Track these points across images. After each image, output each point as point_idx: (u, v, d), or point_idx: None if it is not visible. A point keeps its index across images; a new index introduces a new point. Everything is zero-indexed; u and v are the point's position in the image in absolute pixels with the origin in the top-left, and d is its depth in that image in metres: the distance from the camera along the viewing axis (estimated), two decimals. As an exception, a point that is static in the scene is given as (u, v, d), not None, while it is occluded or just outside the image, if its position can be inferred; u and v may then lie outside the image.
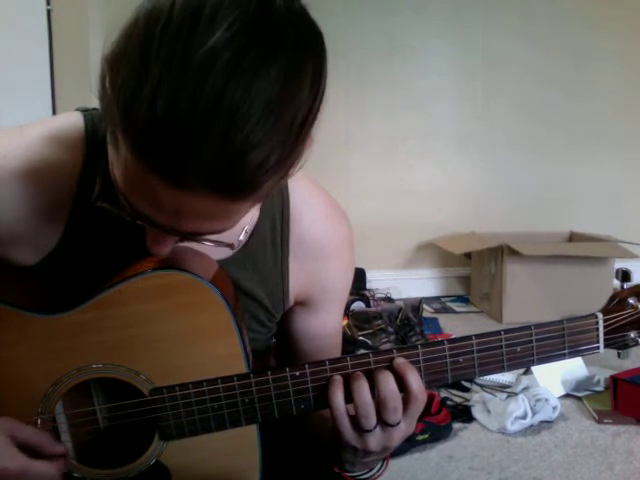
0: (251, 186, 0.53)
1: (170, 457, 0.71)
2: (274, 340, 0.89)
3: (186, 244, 0.64)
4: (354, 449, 0.69)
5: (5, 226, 0.69)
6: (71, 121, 0.71)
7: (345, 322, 2.35)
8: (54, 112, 2.02)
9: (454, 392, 1.94)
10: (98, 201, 0.62)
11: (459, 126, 3.09)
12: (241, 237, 0.71)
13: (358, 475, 0.77)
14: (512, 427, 1.70)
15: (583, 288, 2.59)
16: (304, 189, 0.80)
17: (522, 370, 1.97)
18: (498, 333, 0.70)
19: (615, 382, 1.80)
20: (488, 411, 1.79)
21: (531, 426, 1.74)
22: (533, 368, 1.90)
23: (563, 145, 3.13)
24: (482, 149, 3.11)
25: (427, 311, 2.84)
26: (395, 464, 1.55)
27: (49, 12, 2.02)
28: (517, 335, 0.70)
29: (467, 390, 1.96)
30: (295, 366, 0.68)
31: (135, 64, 0.49)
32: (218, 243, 0.64)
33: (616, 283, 0.77)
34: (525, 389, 1.86)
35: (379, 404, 0.66)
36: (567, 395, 1.93)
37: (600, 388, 1.95)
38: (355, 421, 0.67)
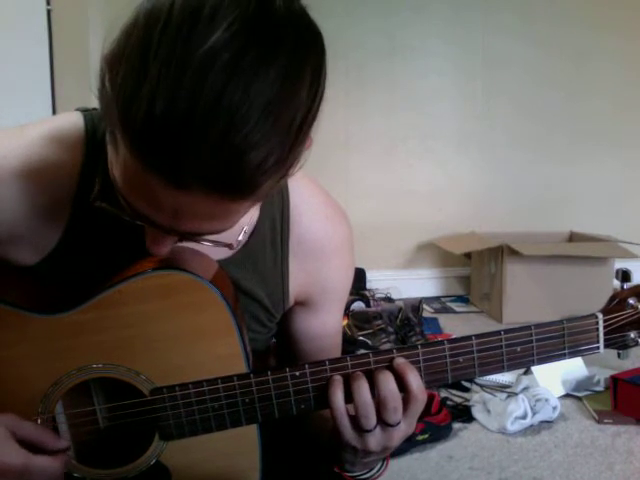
0: (250, 186, 0.53)
1: (170, 457, 0.71)
2: (274, 340, 0.89)
3: (185, 244, 0.64)
4: (354, 449, 0.69)
5: (5, 226, 0.69)
6: (71, 121, 0.71)
7: (345, 322, 2.35)
8: (54, 112, 2.02)
9: (454, 392, 1.94)
10: (97, 201, 0.62)
11: (459, 126, 3.09)
12: (240, 237, 0.71)
13: (358, 475, 0.77)
14: (512, 427, 1.70)
15: (583, 288, 2.59)
16: (304, 189, 0.80)
17: (522, 370, 1.97)
18: (498, 333, 0.70)
19: (615, 382, 1.80)
20: (488, 411, 1.79)
21: (531, 426, 1.74)
22: (533, 368, 1.90)
23: (563, 145, 3.13)
24: (482, 149, 3.11)
25: (427, 311, 2.84)
26: (395, 464, 1.55)
27: (49, 12, 2.02)
28: (517, 335, 0.70)
29: (467, 390, 1.96)
30: (295, 366, 0.68)
31: (134, 64, 0.49)
32: (217, 243, 0.64)
33: (616, 283, 0.77)
34: (525, 389, 1.86)
35: (379, 404, 0.66)
36: (567, 395, 1.93)
37: (600, 388, 1.95)
38: (355, 421, 0.67)
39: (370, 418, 0.66)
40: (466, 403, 1.87)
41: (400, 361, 0.68)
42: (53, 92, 2.04)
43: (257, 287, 0.79)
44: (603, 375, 1.96)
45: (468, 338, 0.70)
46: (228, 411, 0.68)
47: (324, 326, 0.85)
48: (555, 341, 0.71)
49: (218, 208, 0.55)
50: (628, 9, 3.05)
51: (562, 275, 2.65)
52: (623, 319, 0.73)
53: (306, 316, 0.85)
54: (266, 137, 0.50)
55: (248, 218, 0.74)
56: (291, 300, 0.83)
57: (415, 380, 0.67)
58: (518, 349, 0.71)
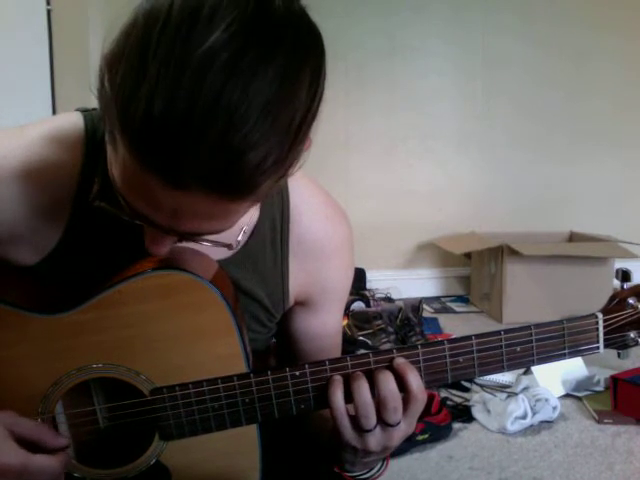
0: (249, 186, 0.53)
1: (170, 457, 0.71)
2: (274, 340, 0.89)
3: (185, 244, 0.64)
4: (354, 449, 0.69)
5: (5, 226, 0.69)
6: (71, 121, 0.71)
7: (345, 322, 2.35)
8: (54, 112, 2.01)
9: (454, 392, 1.94)
10: (96, 200, 0.62)
11: (459, 126, 3.09)
12: (239, 237, 0.71)
13: (358, 475, 0.77)
14: (512, 427, 1.70)
15: (583, 288, 2.60)
16: (304, 189, 0.80)
17: (522, 370, 1.97)
18: (498, 333, 0.70)
19: (615, 382, 1.80)
20: (488, 411, 1.79)
21: (531, 426, 1.74)
22: (533, 368, 1.90)
23: (563, 145, 3.13)
24: (482, 149, 3.11)
25: (427, 311, 2.84)
26: (395, 464, 1.55)
27: (49, 12, 2.02)
28: (517, 335, 0.70)
29: (467, 390, 1.96)
30: (295, 366, 0.68)
31: (133, 64, 0.49)
32: (216, 243, 0.64)
33: (616, 283, 0.77)
34: (525, 389, 1.86)
35: (379, 404, 0.66)
36: (567, 395, 1.93)
37: (600, 388, 1.95)
38: (355, 421, 0.67)
39: (370, 418, 0.66)
40: (466, 403, 1.87)
41: (400, 361, 0.68)
42: (53, 92, 2.04)
43: (257, 287, 0.79)
44: (603, 375, 1.96)
45: (468, 338, 0.70)
46: (228, 411, 0.68)
47: (324, 326, 0.85)
48: (555, 341, 0.71)
49: (217, 208, 0.55)
50: (628, 9, 3.05)
51: (562, 275, 2.65)
52: (623, 319, 0.73)
53: (306, 316, 0.85)
54: (265, 137, 0.50)
55: (247, 218, 0.74)
56: (291, 300, 0.83)
57: (415, 380, 0.67)
58: (518, 349, 0.71)
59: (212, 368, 0.68)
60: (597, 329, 0.72)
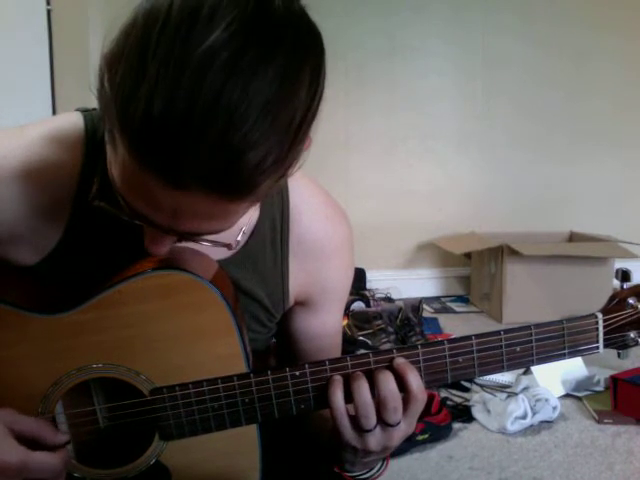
0: (249, 186, 0.53)
1: (170, 457, 0.71)
2: (274, 340, 0.89)
3: (185, 244, 0.64)
4: (354, 449, 0.69)
5: (5, 226, 0.69)
6: (71, 121, 0.71)
7: (345, 322, 2.35)
8: (54, 112, 2.01)
9: (454, 392, 1.94)
10: (96, 200, 0.62)
11: (459, 126, 3.09)
12: (239, 237, 0.71)
13: (358, 475, 0.77)
14: (512, 427, 1.70)
15: (583, 288, 2.59)
16: (304, 189, 0.80)
17: (522, 370, 1.97)
18: (498, 333, 0.70)
19: (615, 382, 1.80)
20: (488, 411, 1.79)
21: (531, 426, 1.74)
22: (533, 368, 1.90)
23: (563, 145, 3.13)
24: (482, 149, 3.11)
25: (427, 311, 2.84)
26: (395, 464, 1.55)
27: (49, 12, 2.02)
28: (517, 335, 0.70)
29: (467, 390, 1.96)
30: (295, 366, 0.68)
31: (133, 63, 0.49)
32: (215, 243, 0.64)
33: (616, 283, 0.77)
34: (525, 389, 1.86)
35: (379, 404, 0.66)
36: (567, 395, 1.93)
37: (600, 388, 1.95)
38: (355, 421, 0.67)
39: (370, 418, 0.66)
40: (466, 403, 1.87)
41: (400, 361, 0.68)
42: (53, 92, 2.04)
43: (257, 287, 0.79)
44: (603, 375, 1.96)
45: (468, 338, 0.70)
46: (228, 411, 0.68)
47: (324, 326, 0.85)
48: (555, 341, 0.71)
49: (217, 208, 0.55)
50: (628, 9, 3.05)
51: (562, 275, 2.65)
52: (623, 319, 0.73)
53: (306, 316, 0.85)
54: (265, 136, 0.50)
55: (247, 218, 0.74)
56: (291, 300, 0.83)
57: (415, 380, 0.67)
58: (518, 349, 0.71)
59: (212, 368, 0.68)
60: (597, 329, 0.72)
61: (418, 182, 3.08)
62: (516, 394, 1.81)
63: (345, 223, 0.84)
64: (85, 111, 0.73)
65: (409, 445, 1.61)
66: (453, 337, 0.71)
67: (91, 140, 0.70)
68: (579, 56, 3.06)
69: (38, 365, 0.67)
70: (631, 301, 0.73)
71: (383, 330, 2.29)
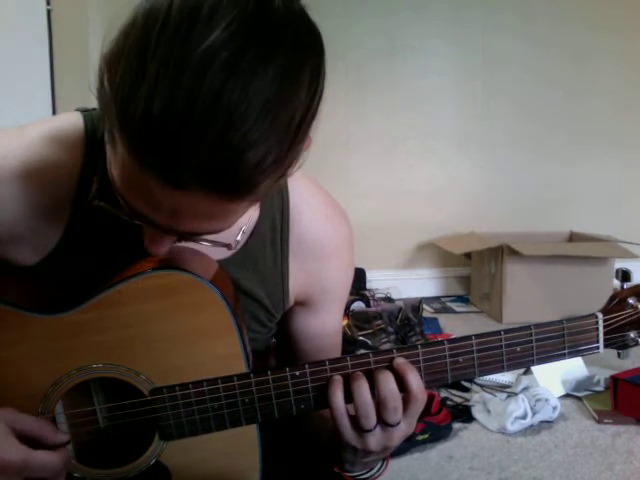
0: (248, 186, 0.53)
1: (170, 457, 0.71)
2: (274, 340, 0.89)
3: (185, 244, 0.64)
4: (354, 449, 0.69)
5: (5, 226, 0.69)
6: (71, 121, 0.71)
7: (345, 322, 2.35)
8: (54, 112, 2.01)
9: (454, 392, 1.94)
10: (95, 200, 0.62)
11: (459, 126, 3.09)
12: (238, 237, 0.71)
13: (358, 475, 0.77)
14: (512, 427, 1.70)
15: (583, 288, 2.59)
16: (304, 189, 0.80)
17: (522, 370, 1.97)
18: (498, 333, 0.70)
19: (615, 382, 1.80)
20: (488, 411, 1.79)
21: (531, 426, 1.74)
22: (533, 368, 1.90)
23: (563, 145, 3.13)
24: (482, 149, 3.11)
25: (427, 311, 2.84)
26: (395, 464, 1.55)
27: (49, 12, 2.02)
28: (517, 335, 0.70)
29: (467, 390, 1.96)
30: (295, 366, 0.68)
31: (133, 63, 0.49)
32: (215, 243, 0.64)
33: (616, 283, 0.77)
34: (525, 389, 1.86)
35: (379, 404, 0.66)
36: (567, 395, 1.93)
37: (600, 388, 1.95)
38: (355, 421, 0.67)
39: (370, 418, 0.66)
40: (466, 403, 1.87)
41: (400, 361, 0.68)
42: (53, 92, 2.04)
43: (257, 287, 0.79)
44: (603, 375, 1.96)
45: (468, 338, 0.70)
46: (228, 411, 0.68)
47: (324, 326, 0.85)
48: (555, 341, 0.71)
49: (216, 208, 0.55)
50: (628, 9, 3.05)
51: (562, 275, 2.65)
52: (623, 319, 0.73)
53: (306, 316, 0.85)
54: (265, 136, 0.50)
55: (247, 218, 0.74)
56: (291, 300, 0.83)
57: (415, 380, 0.67)
58: (518, 349, 0.70)
59: (212, 368, 0.68)
60: (597, 329, 0.72)
61: (418, 182, 3.08)
62: (516, 394, 1.81)
63: (345, 223, 0.84)
64: (85, 111, 0.73)
65: (409, 445, 1.61)
66: (453, 337, 0.71)
67: (91, 140, 0.70)
68: (579, 56, 3.06)
69: (38, 365, 0.67)
70: (631, 301, 0.73)
71: (383, 330, 2.29)
